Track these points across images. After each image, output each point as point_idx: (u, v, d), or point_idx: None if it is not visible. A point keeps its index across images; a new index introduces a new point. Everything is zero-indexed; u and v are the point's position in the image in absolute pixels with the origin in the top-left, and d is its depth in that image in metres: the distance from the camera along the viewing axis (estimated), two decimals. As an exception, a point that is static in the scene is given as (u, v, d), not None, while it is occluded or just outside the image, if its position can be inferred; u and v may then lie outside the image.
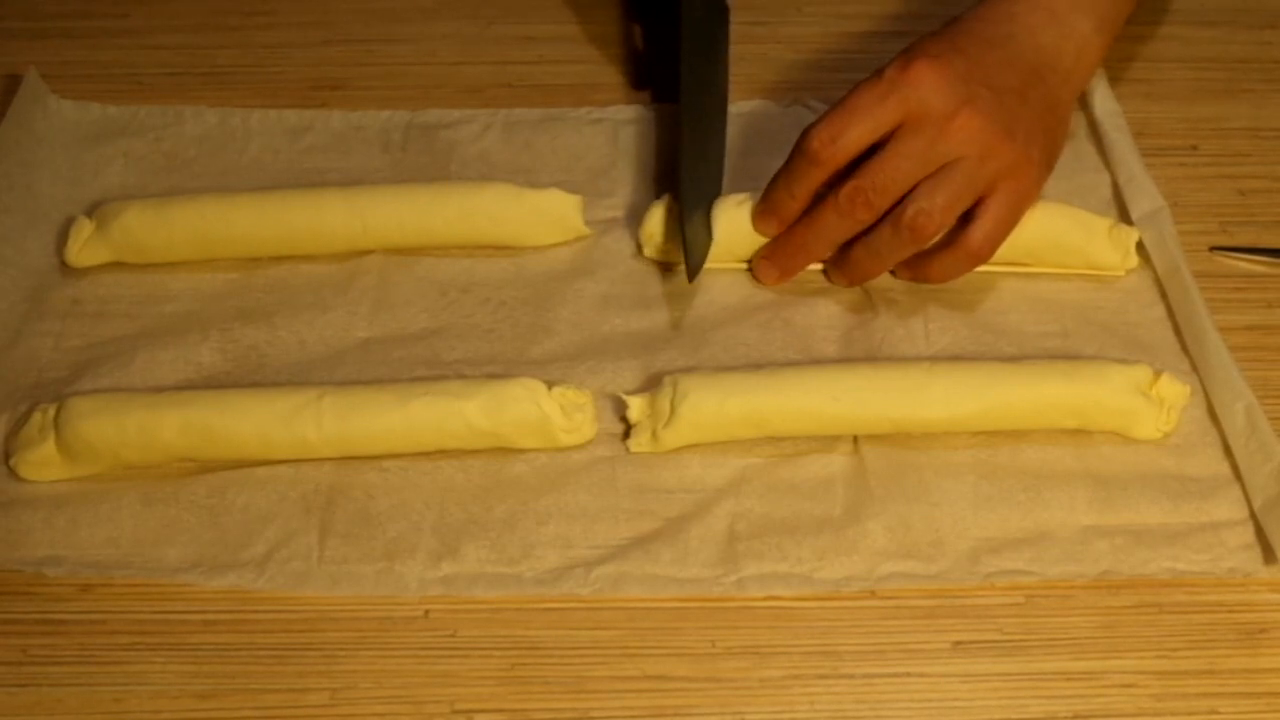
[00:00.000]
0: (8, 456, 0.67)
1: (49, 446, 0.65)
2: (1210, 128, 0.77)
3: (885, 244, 0.70)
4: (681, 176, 0.74)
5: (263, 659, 0.60)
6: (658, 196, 0.77)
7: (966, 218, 0.70)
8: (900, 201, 0.69)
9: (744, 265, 0.76)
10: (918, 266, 0.73)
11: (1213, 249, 0.77)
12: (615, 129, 0.85)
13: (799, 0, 0.95)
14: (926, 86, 0.67)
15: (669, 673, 0.60)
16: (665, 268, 0.76)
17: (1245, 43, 0.91)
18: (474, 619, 0.61)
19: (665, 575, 0.62)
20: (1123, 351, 0.71)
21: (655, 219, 0.76)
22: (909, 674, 0.59)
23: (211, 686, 0.59)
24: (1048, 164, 0.72)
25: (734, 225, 0.74)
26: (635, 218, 0.77)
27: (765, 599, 0.62)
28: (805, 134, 0.69)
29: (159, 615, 0.61)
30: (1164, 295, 0.74)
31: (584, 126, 0.85)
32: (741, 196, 0.74)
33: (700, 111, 0.79)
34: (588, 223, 0.78)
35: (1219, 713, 0.58)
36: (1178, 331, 0.73)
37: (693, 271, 0.72)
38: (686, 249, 0.72)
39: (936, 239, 0.70)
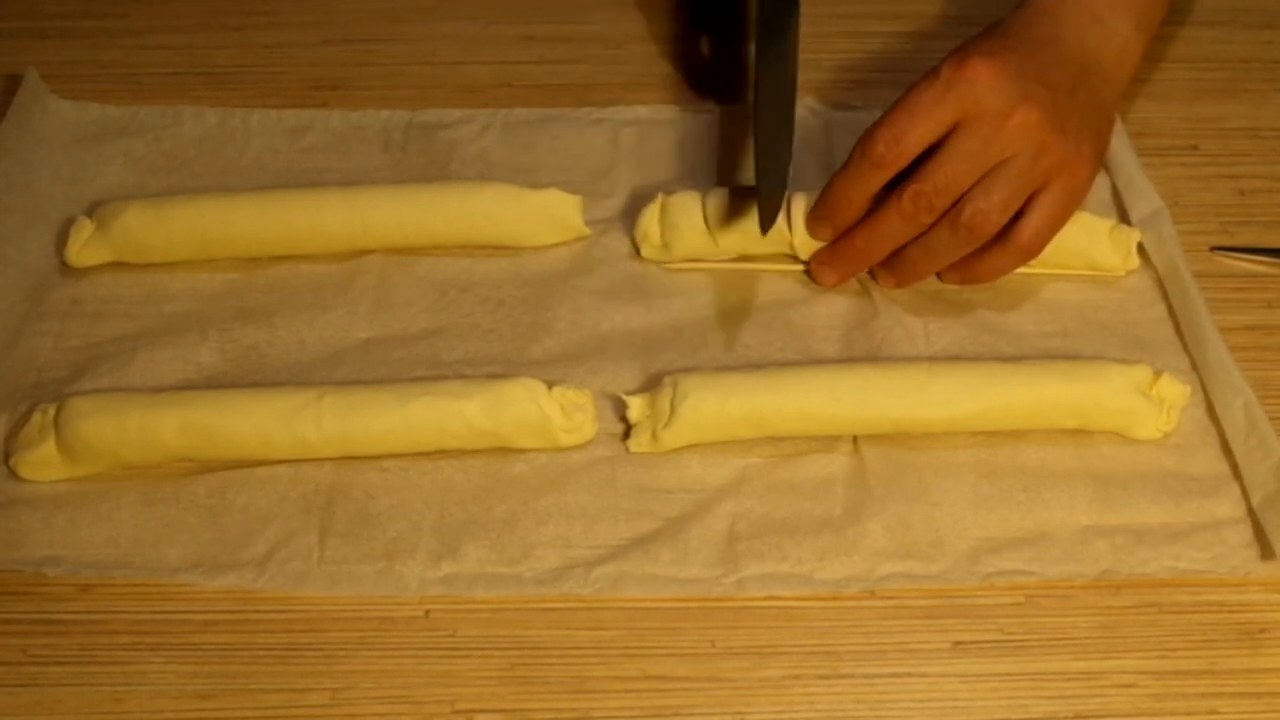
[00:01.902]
0: (7, 456, 0.67)
1: (49, 446, 0.65)
2: (1210, 128, 0.77)
3: (943, 244, 0.70)
4: (759, 166, 0.73)
5: (263, 659, 0.60)
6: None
7: (1016, 214, 0.70)
8: (957, 201, 0.69)
9: (743, 265, 0.76)
10: (966, 267, 0.73)
11: (1213, 249, 0.77)
12: (615, 129, 0.85)
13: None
14: (982, 84, 0.67)
15: (669, 673, 0.59)
16: (663, 266, 0.76)
17: (1245, 43, 0.91)
18: (474, 619, 0.61)
19: (665, 575, 0.62)
20: (1123, 352, 0.71)
21: (650, 218, 0.76)
22: (909, 674, 0.59)
23: (212, 686, 0.59)
24: (1097, 161, 0.72)
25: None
26: (635, 218, 0.77)
27: (765, 599, 0.62)
28: (866, 138, 0.69)
29: (159, 615, 0.61)
30: (1164, 296, 0.74)
31: (584, 127, 0.85)
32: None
33: (776, 108, 0.79)
34: (587, 223, 0.78)
35: (1219, 713, 0.58)
36: (1178, 332, 0.73)
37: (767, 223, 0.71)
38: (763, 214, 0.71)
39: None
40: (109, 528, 0.64)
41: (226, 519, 0.65)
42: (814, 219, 0.72)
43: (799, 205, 0.74)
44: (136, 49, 0.91)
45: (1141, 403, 0.67)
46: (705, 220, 0.74)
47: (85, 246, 0.75)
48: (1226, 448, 0.67)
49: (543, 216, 0.77)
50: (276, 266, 0.76)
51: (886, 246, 0.71)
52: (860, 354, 0.72)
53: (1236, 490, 0.65)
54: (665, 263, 0.76)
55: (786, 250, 0.75)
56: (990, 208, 0.68)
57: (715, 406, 0.66)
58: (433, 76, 0.89)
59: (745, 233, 0.74)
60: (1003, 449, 0.67)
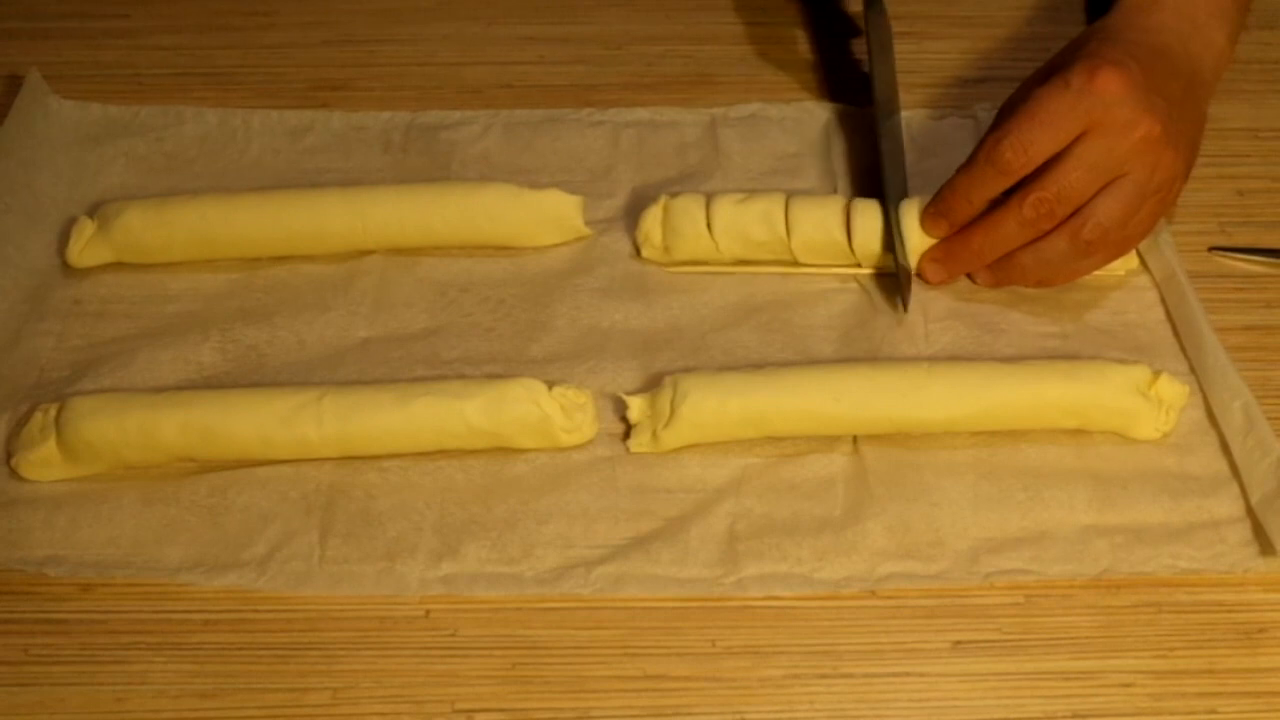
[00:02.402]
0: (9, 456, 0.67)
1: (50, 446, 0.65)
2: (1210, 128, 0.76)
3: (1059, 254, 0.71)
4: (886, 178, 0.76)
5: (264, 658, 0.60)
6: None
7: None
8: (1076, 212, 0.69)
9: (744, 269, 0.76)
10: (1054, 271, 0.73)
11: (1211, 249, 0.77)
12: (616, 130, 0.85)
13: (798, 1, 0.95)
14: (1112, 95, 0.68)
15: (669, 673, 0.60)
16: (664, 268, 0.76)
17: (1245, 43, 0.91)
18: (474, 619, 0.61)
19: (665, 575, 0.63)
20: (1122, 353, 0.71)
21: (652, 219, 0.76)
22: (909, 674, 0.60)
23: (213, 686, 0.59)
24: (1189, 173, 0.73)
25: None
26: (635, 218, 0.77)
27: (765, 599, 0.62)
28: (995, 144, 0.69)
29: (160, 615, 0.62)
30: (1161, 296, 0.74)
31: (584, 128, 0.85)
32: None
33: (892, 114, 0.81)
34: (588, 223, 0.78)
35: (1218, 712, 0.58)
36: (1176, 332, 0.73)
37: (906, 302, 0.73)
38: (900, 268, 0.73)
39: None
40: (110, 528, 0.64)
41: (227, 519, 0.65)
42: (931, 215, 0.73)
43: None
44: (137, 49, 0.91)
45: (1140, 403, 0.67)
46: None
47: (86, 247, 0.75)
48: (1225, 448, 0.67)
49: (543, 217, 0.77)
50: (277, 267, 0.76)
51: (1000, 249, 0.72)
52: (860, 354, 0.72)
53: (1235, 489, 0.66)
54: (666, 264, 0.76)
55: (835, 260, 0.75)
56: (1111, 224, 0.69)
57: (715, 406, 0.66)
58: (433, 77, 0.89)
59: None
60: (1002, 449, 0.67)
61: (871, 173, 0.81)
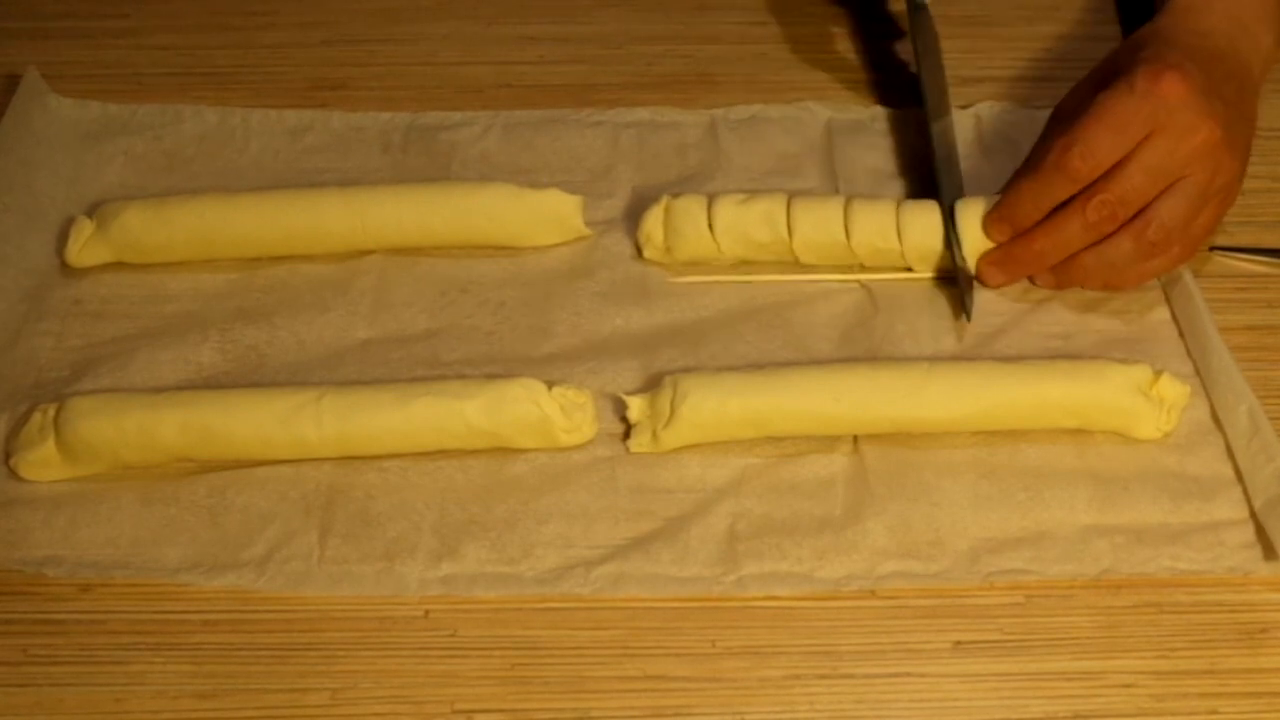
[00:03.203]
0: (8, 456, 0.67)
1: (49, 446, 0.65)
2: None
3: (1122, 256, 0.71)
4: (941, 183, 0.76)
5: (263, 659, 0.60)
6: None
7: None
8: (1139, 214, 0.70)
9: (748, 278, 0.76)
10: (1119, 275, 0.73)
11: (1213, 249, 0.77)
12: (616, 130, 0.85)
13: (800, 1, 0.95)
14: (1176, 99, 0.68)
15: (669, 673, 0.59)
16: (665, 269, 0.76)
17: (1245, 43, 0.91)
18: (474, 619, 0.61)
19: (665, 575, 0.62)
20: (1122, 352, 0.71)
21: (654, 220, 0.76)
22: (909, 674, 0.59)
23: (212, 686, 0.59)
24: (1244, 177, 0.73)
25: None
26: (635, 219, 0.77)
27: (765, 599, 0.62)
28: (1062, 150, 0.69)
29: (159, 615, 0.61)
30: (1167, 298, 0.74)
31: (584, 128, 0.85)
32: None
33: (943, 115, 0.81)
34: (588, 223, 0.78)
35: (1219, 713, 0.58)
36: (1181, 333, 0.73)
37: (969, 309, 0.73)
38: (961, 272, 0.73)
39: None
40: (109, 528, 0.64)
41: (226, 519, 0.65)
42: (995, 220, 0.73)
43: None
44: (136, 49, 0.91)
45: (1141, 402, 0.66)
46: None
47: (85, 246, 0.75)
48: (1227, 448, 0.67)
49: (543, 217, 0.77)
50: (276, 266, 0.76)
51: (1063, 252, 0.72)
52: (860, 354, 0.72)
53: (1237, 491, 0.65)
54: (667, 266, 0.76)
55: (837, 261, 0.75)
56: (1174, 225, 0.70)
57: (715, 406, 0.66)
58: (433, 77, 0.89)
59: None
60: (1003, 449, 0.67)
61: (875, 173, 0.81)
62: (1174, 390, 0.67)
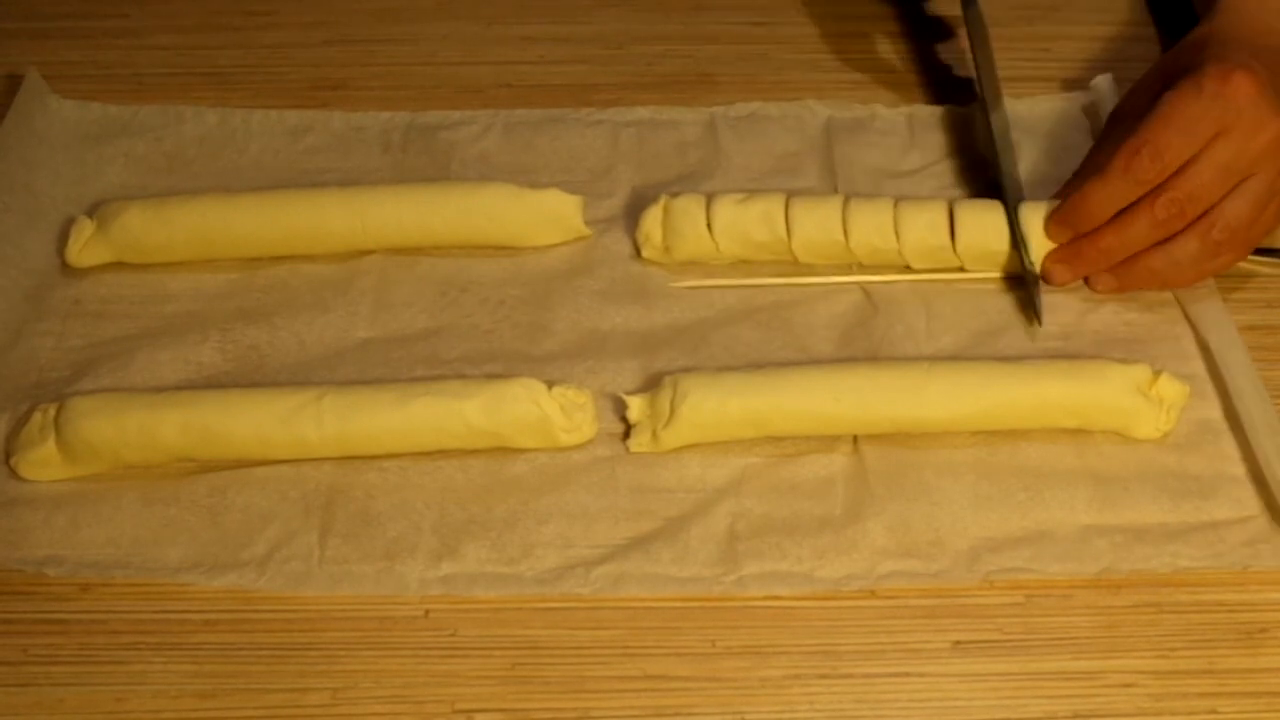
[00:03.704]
0: (8, 456, 0.67)
1: (49, 446, 0.65)
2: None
3: (1189, 255, 0.71)
4: (1004, 184, 0.76)
5: (263, 659, 0.60)
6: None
7: None
8: (1204, 214, 0.70)
9: (752, 282, 0.76)
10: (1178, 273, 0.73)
11: (1213, 249, 0.77)
12: (615, 130, 0.85)
13: (800, 1, 0.95)
14: (1244, 98, 0.68)
15: (669, 673, 0.59)
16: (664, 269, 0.76)
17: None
18: (474, 619, 0.61)
19: (665, 575, 0.63)
20: (1122, 352, 0.71)
21: (652, 220, 0.76)
22: (909, 674, 0.59)
23: (212, 686, 0.59)
24: None
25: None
26: (635, 218, 0.77)
27: (765, 599, 0.62)
28: (1132, 153, 0.69)
29: (159, 615, 0.62)
30: (1177, 299, 0.74)
31: (584, 127, 0.85)
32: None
33: (1002, 113, 0.81)
34: (588, 223, 0.78)
35: (1219, 712, 0.58)
36: (1193, 329, 0.73)
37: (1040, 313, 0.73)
38: (1028, 274, 0.73)
39: None
40: (109, 528, 0.64)
41: (227, 519, 0.65)
42: (1058, 224, 0.72)
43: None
44: (137, 49, 0.91)
45: (1141, 402, 0.67)
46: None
47: (86, 246, 0.75)
48: (1227, 449, 0.67)
49: (543, 216, 0.77)
50: (276, 266, 0.76)
51: (1129, 249, 0.72)
52: (860, 354, 0.72)
53: (1236, 489, 0.65)
54: (666, 266, 0.76)
55: (836, 260, 0.75)
56: (1240, 224, 0.70)
57: (715, 406, 0.66)
58: (433, 77, 0.89)
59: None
60: (1003, 449, 0.67)
61: (874, 171, 0.81)
62: (1173, 390, 0.67)
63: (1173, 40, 0.85)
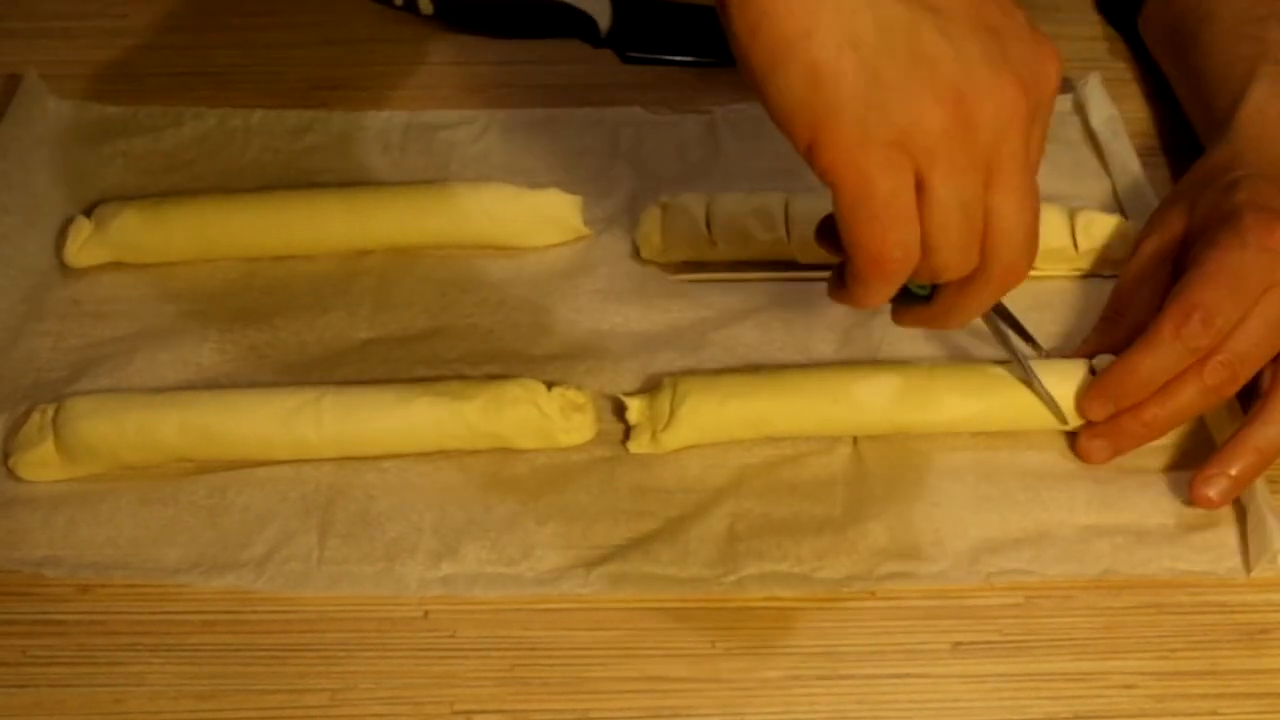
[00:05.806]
0: (7, 456, 0.67)
1: (48, 447, 0.65)
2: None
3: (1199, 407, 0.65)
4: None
5: (262, 659, 0.60)
6: None
7: None
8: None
9: (749, 277, 0.76)
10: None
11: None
12: (615, 130, 0.85)
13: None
14: None
15: (669, 673, 0.59)
16: (664, 268, 0.76)
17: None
18: (474, 619, 0.61)
19: (665, 575, 0.62)
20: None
21: (651, 220, 0.76)
22: (909, 675, 0.59)
23: (211, 687, 0.59)
24: None
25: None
26: (634, 218, 0.77)
27: (765, 599, 0.62)
28: (1178, 318, 0.63)
29: (158, 616, 0.61)
30: None
31: (583, 127, 0.85)
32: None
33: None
34: (587, 223, 0.78)
35: (1220, 713, 0.58)
36: None
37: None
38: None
39: None
40: (108, 528, 0.64)
41: (226, 519, 0.64)
42: (1100, 398, 0.65)
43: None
44: (136, 49, 0.91)
45: (1142, 403, 0.66)
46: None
47: (84, 247, 0.75)
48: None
49: (542, 216, 0.77)
50: (276, 267, 0.76)
51: (1176, 421, 0.65)
52: (860, 354, 0.72)
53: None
54: (665, 266, 0.76)
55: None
56: None
57: (715, 408, 0.66)
58: (432, 76, 0.89)
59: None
60: (1003, 449, 0.67)
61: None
62: (1174, 390, 0.67)
63: (1127, 44, 0.85)
